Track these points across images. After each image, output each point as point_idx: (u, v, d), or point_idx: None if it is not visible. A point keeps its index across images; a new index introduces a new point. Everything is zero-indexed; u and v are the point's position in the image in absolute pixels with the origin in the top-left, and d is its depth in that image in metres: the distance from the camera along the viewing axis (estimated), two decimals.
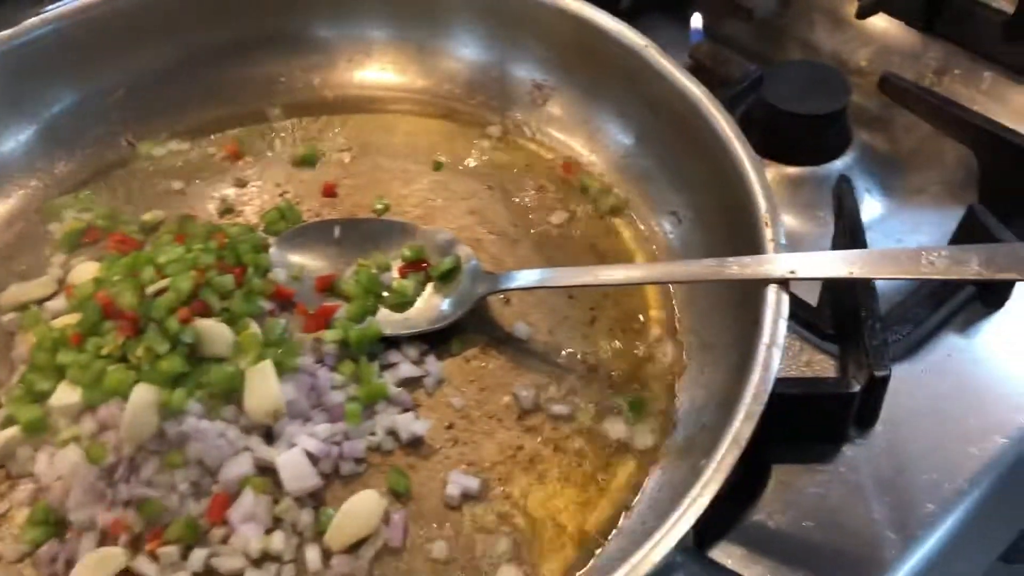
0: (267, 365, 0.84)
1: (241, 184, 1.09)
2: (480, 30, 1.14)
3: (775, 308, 0.75)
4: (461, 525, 0.80)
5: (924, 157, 1.16)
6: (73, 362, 0.85)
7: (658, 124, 1.01)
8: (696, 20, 1.25)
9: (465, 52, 1.16)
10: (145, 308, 0.86)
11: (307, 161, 1.11)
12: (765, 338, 0.74)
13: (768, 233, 0.81)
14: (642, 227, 1.02)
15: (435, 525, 0.80)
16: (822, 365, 0.94)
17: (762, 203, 0.83)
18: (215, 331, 0.85)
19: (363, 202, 1.06)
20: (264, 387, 0.83)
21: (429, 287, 0.96)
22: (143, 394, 0.81)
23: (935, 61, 1.26)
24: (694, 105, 0.94)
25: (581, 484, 0.82)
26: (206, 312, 0.87)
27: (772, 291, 0.77)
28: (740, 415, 0.69)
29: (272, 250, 0.97)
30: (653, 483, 0.81)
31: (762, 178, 0.85)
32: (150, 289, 0.87)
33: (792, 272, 0.77)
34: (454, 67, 1.17)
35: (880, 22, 1.30)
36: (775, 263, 0.78)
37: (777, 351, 0.73)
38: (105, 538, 0.80)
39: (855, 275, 0.75)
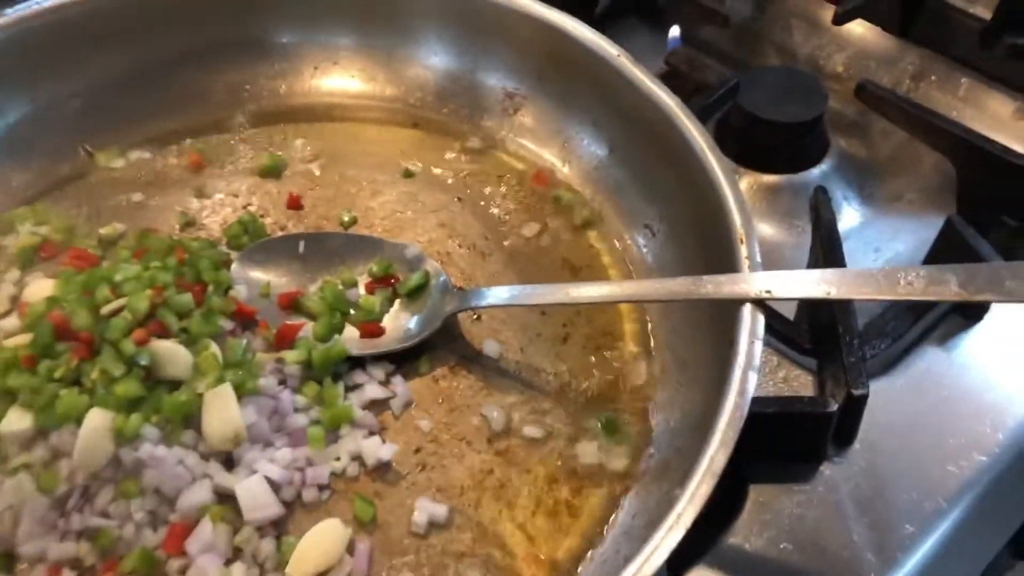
0: (226, 388, 0.81)
1: (203, 196, 1.06)
2: (450, 37, 1.11)
3: (750, 329, 0.73)
4: (429, 555, 0.78)
5: (901, 164, 1.15)
6: (24, 385, 0.81)
7: (631, 135, 0.99)
8: (674, 31, 1.23)
9: (435, 60, 1.14)
10: (100, 329, 0.82)
11: (272, 171, 1.08)
12: (740, 360, 0.72)
13: (743, 251, 0.79)
14: (616, 240, 1.00)
15: (402, 555, 0.77)
16: (800, 381, 0.92)
17: (736, 219, 0.81)
18: (172, 353, 0.82)
19: (329, 214, 1.03)
20: (223, 411, 0.80)
21: (397, 304, 0.93)
22: (97, 419, 0.78)
23: (912, 67, 1.25)
24: (667, 115, 0.92)
25: (553, 510, 0.80)
26: (163, 333, 0.84)
27: (747, 311, 0.75)
28: (715, 442, 0.67)
29: (234, 266, 0.94)
30: (627, 509, 0.79)
31: (736, 192, 0.83)
32: (105, 309, 0.84)
33: (768, 292, 0.75)
34: (423, 75, 1.14)
35: (856, 28, 1.29)
36: (750, 282, 0.76)
37: (753, 374, 0.71)
38: (56, 572, 0.76)
39: (832, 296, 0.73)
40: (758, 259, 0.78)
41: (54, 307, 0.86)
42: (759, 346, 0.73)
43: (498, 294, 0.88)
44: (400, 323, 0.91)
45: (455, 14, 1.10)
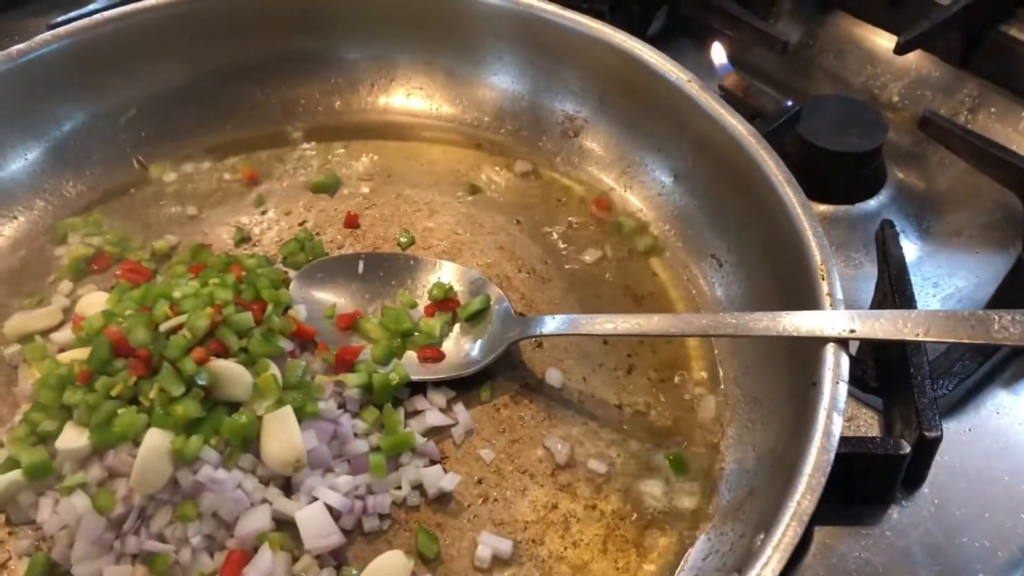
0: (287, 411, 0.79)
1: (259, 211, 1.05)
2: (512, 58, 1.10)
3: (834, 370, 0.71)
4: None
5: (961, 196, 1.12)
6: (81, 402, 0.80)
7: (699, 162, 0.97)
8: (718, 51, 1.21)
9: (495, 80, 1.12)
10: (159, 346, 0.81)
11: (327, 188, 1.07)
12: (825, 402, 0.69)
13: (824, 287, 0.76)
14: (680, 269, 0.98)
15: None
16: (865, 420, 0.90)
17: (816, 253, 0.79)
18: (232, 373, 0.80)
19: (387, 234, 1.02)
20: (284, 435, 0.78)
21: (457, 328, 0.91)
22: (156, 440, 0.76)
23: (970, 99, 1.23)
24: (740, 143, 0.90)
25: (620, 549, 0.77)
26: (223, 352, 0.82)
27: (830, 351, 0.72)
28: (800, 486, 0.65)
29: (293, 285, 0.92)
30: (698, 550, 0.77)
31: (815, 225, 0.81)
32: (164, 326, 0.82)
33: (852, 332, 0.73)
34: (483, 95, 1.13)
35: (913, 57, 1.26)
36: (833, 320, 0.74)
37: (838, 416, 0.69)
38: None
39: (921, 338, 0.71)
40: (839, 296, 0.76)
41: (111, 322, 0.84)
42: (844, 388, 0.70)
43: (561, 322, 0.86)
44: (461, 348, 0.90)
45: (520, 35, 1.08)
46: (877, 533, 0.82)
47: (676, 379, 0.89)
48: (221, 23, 1.10)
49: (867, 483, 0.83)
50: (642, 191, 1.04)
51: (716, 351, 0.91)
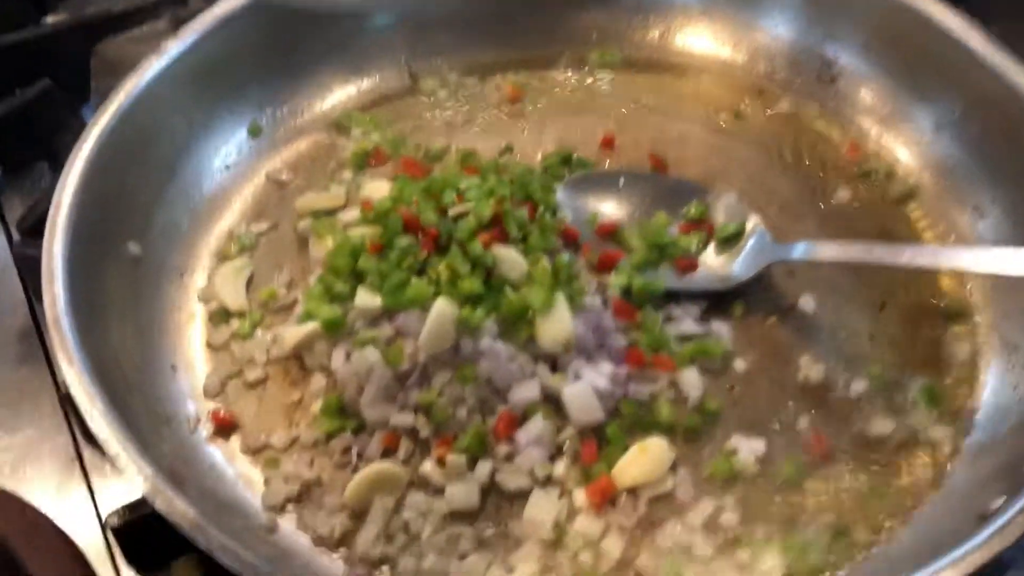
0: (560, 296, 0.86)
1: (520, 127, 1.11)
2: (790, 3, 1.11)
3: None
4: (745, 495, 0.80)
5: None
6: (374, 269, 0.89)
7: (970, 114, 0.97)
8: None
9: (765, 23, 1.12)
10: (446, 228, 0.89)
11: (586, 110, 1.12)
12: None
13: None
14: (937, 218, 0.98)
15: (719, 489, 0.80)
16: None
17: None
18: (512, 259, 0.88)
19: (641, 158, 1.06)
20: (558, 317, 0.84)
21: (711, 247, 0.95)
22: (444, 308, 0.84)
23: None
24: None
25: (869, 473, 0.80)
26: (503, 240, 0.89)
27: None
28: None
29: (560, 192, 0.99)
30: (947, 486, 0.79)
31: None
32: (452, 211, 0.90)
33: None
34: (754, 38, 1.13)
35: None
36: None
37: None
38: (395, 438, 0.84)
39: None
40: None
41: (399, 205, 0.93)
42: None
43: (820, 249, 0.88)
44: (716, 265, 0.94)
45: None
46: None
47: (929, 321, 0.90)
48: None
49: None
50: (900, 138, 1.04)
51: (971, 295, 0.91)
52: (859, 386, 0.85)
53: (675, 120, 1.10)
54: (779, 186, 1.02)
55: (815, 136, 1.07)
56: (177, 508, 0.69)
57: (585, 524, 0.78)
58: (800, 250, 0.89)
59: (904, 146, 1.03)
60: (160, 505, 0.69)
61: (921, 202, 1.00)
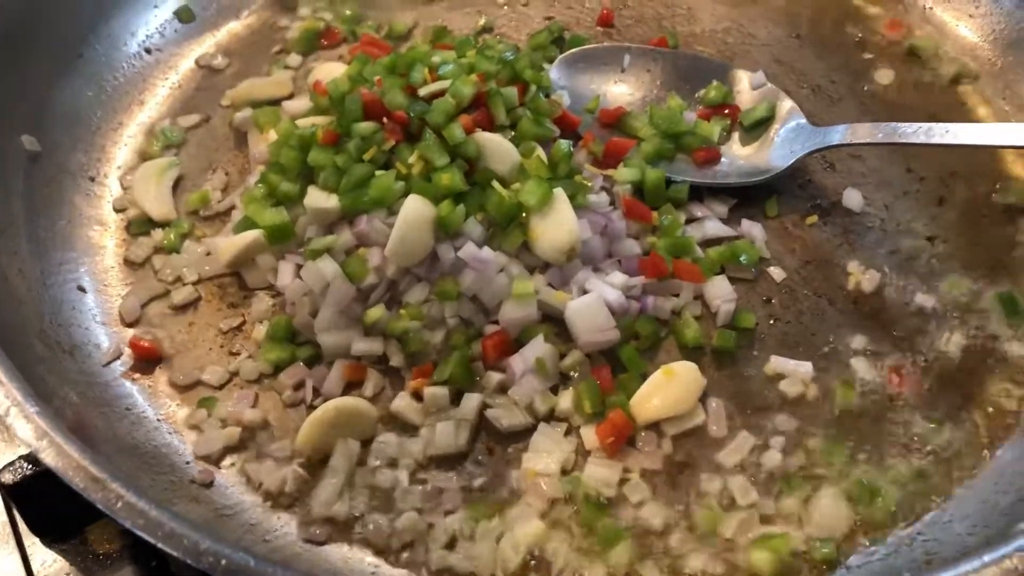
0: (560, 194, 0.69)
1: (499, 3, 0.94)
2: None
3: None
4: (788, 427, 0.66)
5: None
6: (328, 163, 0.72)
7: None
8: None
9: None
10: (418, 111, 0.72)
11: None
12: None
13: None
14: (997, 101, 0.83)
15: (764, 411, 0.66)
16: None
17: None
18: (500, 147, 0.71)
19: (644, 37, 0.90)
20: (558, 219, 0.69)
21: (736, 135, 0.80)
22: (417, 208, 0.68)
23: None
24: None
25: (942, 391, 0.66)
26: (488, 126, 0.73)
27: None
28: None
29: (553, 69, 0.82)
30: None
31: None
32: (424, 90, 0.73)
33: None
34: None
35: None
36: None
37: None
38: (359, 369, 0.68)
39: None
40: None
41: (359, 85, 0.76)
42: None
43: (866, 132, 0.73)
44: (742, 155, 0.78)
45: None
46: None
47: (994, 217, 0.76)
48: None
49: None
50: (950, 11, 0.89)
51: None
52: (923, 296, 0.71)
53: None
54: (810, 68, 0.88)
55: (848, 9, 0.92)
56: (70, 459, 0.52)
57: (597, 470, 0.63)
58: (843, 133, 0.74)
59: (956, 19, 0.89)
60: (47, 457, 0.53)
61: (976, 85, 0.85)
